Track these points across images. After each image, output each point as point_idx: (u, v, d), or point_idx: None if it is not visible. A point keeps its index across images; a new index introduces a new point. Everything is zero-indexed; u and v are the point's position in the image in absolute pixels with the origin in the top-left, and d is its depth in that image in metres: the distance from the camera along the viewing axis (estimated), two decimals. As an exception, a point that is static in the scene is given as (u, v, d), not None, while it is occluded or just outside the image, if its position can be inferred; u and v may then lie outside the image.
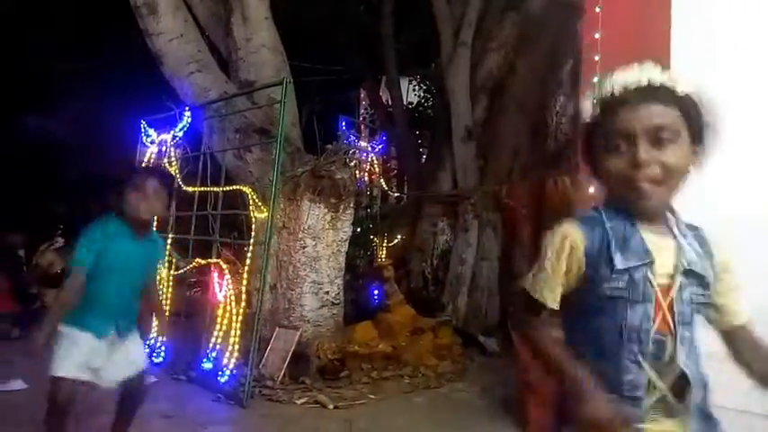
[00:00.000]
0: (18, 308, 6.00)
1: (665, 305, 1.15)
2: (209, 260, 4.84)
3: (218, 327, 4.56)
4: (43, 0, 9.12)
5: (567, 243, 1.20)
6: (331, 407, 3.96)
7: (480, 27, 6.65)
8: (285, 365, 4.44)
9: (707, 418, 1.18)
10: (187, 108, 5.27)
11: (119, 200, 2.57)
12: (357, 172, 6.84)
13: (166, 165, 5.39)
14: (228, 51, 5.79)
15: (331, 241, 4.95)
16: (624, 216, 1.19)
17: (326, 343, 4.77)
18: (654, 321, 1.14)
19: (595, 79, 3.47)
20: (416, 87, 10.36)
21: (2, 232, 6.46)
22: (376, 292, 5.77)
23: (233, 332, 4.41)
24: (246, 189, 4.69)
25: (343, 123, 6.71)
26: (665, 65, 3.26)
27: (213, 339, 4.57)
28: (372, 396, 4.25)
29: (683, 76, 1.18)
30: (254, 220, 4.61)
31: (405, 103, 9.28)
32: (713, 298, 1.21)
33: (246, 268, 4.50)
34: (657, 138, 1.13)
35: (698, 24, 3.27)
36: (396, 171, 9.45)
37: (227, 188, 4.86)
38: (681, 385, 1.14)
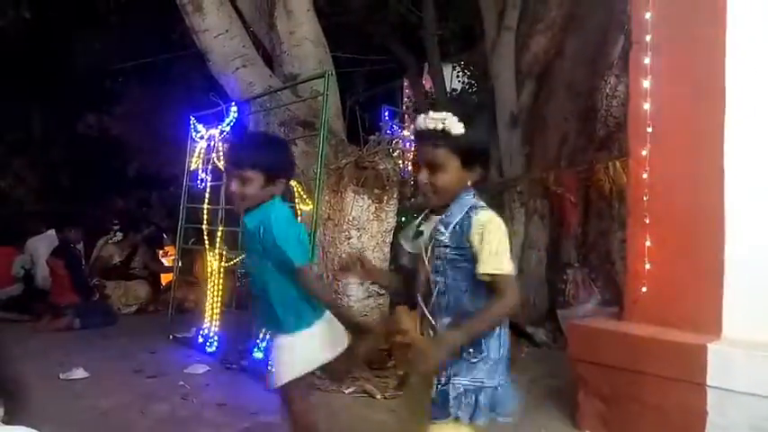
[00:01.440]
0: (78, 300, 6.28)
1: (426, 260, 1.80)
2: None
3: (266, 317, 4.64)
4: (91, 1, 9.41)
5: None
6: (378, 396, 3.99)
7: (525, 9, 6.47)
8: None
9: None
10: (233, 103, 5.36)
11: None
12: (401, 162, 6.83)
13: (215, 160, 5.51)
14: (272, 45, 5.85)
15: (375, 232, 4.96)
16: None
17: (373, 333, 4.79)
18: (422, 271, 1.83)
19: (646, 60, 3.35)
20: (460, 74, 10.21)
21: (61, 227, 6.75)
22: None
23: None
24: (293, 182, 4.75)
25: (386, 113, 6.69)
26: (720, 44, 3.11)
27: (262, 329, 4.66)
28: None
29: (457, 123, 1.67)
30: (299, 212, 4.66)
31: (448, 90, 9.17)
32: (472, 256, 1.72)
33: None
34: (432, 166, 1.75)
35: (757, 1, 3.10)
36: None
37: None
38: (434, 312, 1.80)
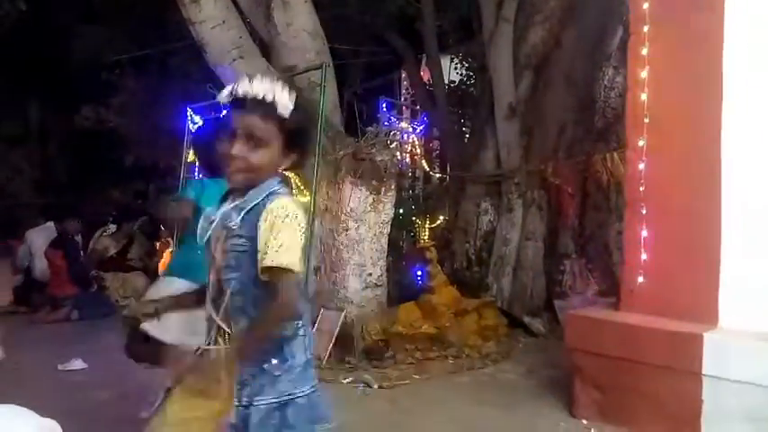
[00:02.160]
0: (77, 292, 6.28)
1: (216, 254, 1.54)
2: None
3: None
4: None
5: None
6: (376, 386, 4.01)
7: (523, 1, 6.45)
8: (330, 346, 4.51)
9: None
10: (230, 94, 5.34)
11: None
12: (398, 153, 6.82)
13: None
14: (269, 37, 5.82)
15: (373, 223, 4.96)
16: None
17: (371, 324, 4.82)
18: (211, 267, 1.56)
19: (644, 51, 3.34)
20: (458, 65, 10.18)
21: (59, 219, 6.74)
22: (419, 273, 5.77)
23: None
24: (290, 173, 4.74)
25: (384, 105, 6.67)
26: (718, 33, 3.11)
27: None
28: (417, 376, 4.28)
29: (287, 97, 1.47)
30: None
31: (446, 81, 9.15)
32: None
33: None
34: (250, 139, 1.48)
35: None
36: (438, 151, 9.36)
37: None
38: (228, 315, 1.51)
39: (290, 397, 1.49)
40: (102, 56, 9.80)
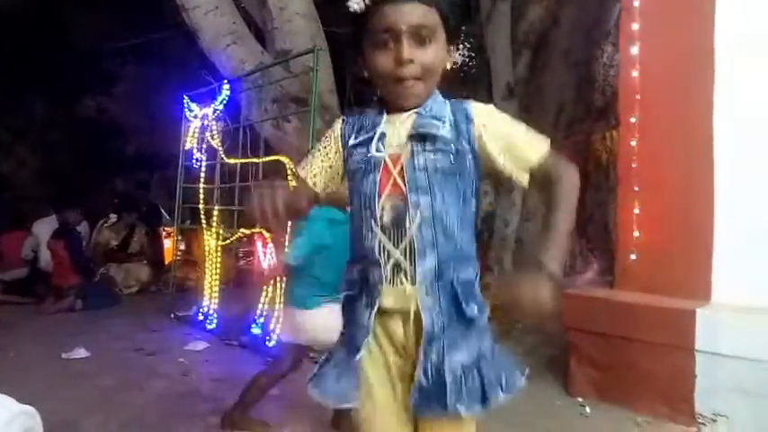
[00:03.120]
0: (81, 282, 6.34)
1: (395, 172, 1.22)
2: (253, 230, 4.95)
3: (263, 294, 4.69)
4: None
5: (331, 132, 1.38)
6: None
7: (520, -21, 6.39)
8: (331, 330, 4.54)
9: (448, 292, 1.22)
10: (225, 81, 5.34)
11: None
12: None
13: (209, 138, 5.51)
14: (263, 21, 5.80)
15: (371, 207, 4.97)
16: (384, 106, 1.29)
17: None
18: (382, 188, 1.23)
19: (635, 27, 3.30)
20: (460, 47, 10.10)
21: (62, 209, 6.79)
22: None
23: (278, 299, 4.53)
24: (284, 159, 4.74)
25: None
26: (709, 8, 3.06)
27: (260, 306, 4.71)
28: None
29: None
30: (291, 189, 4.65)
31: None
32: (490, 159, 1.26)
33: (288, 237, 4.58)
34: (419, 37, 1.19)
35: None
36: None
37: (267, 159, 4.92)
38: (412, 251, 1.21)
39: (483, 352, 1.25)
40: (103, 45, 9.80)
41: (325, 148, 1.36)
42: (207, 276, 5.51)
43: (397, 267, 1.22)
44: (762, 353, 2.74)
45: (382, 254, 1.23)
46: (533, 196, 6.21)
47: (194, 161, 5.82)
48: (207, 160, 5.66)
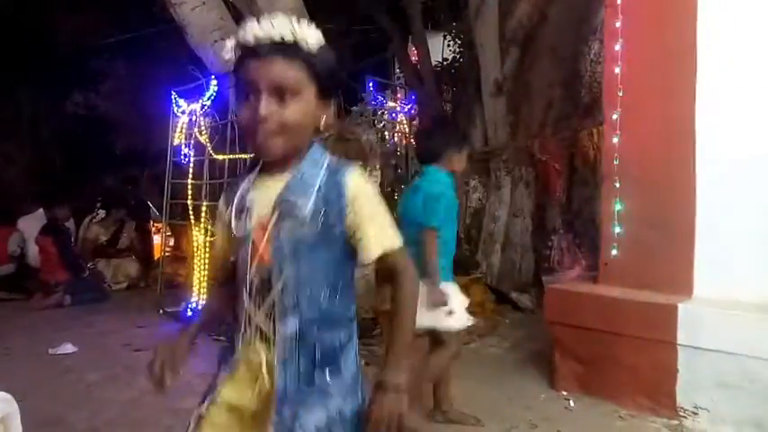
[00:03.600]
0: (69, 277, 6.32)
1: (262, 243, 1.23)
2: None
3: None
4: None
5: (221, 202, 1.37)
6: (362, 362, 4.04)
7: (509, -25, 6.40)
8: (318, 325, 4.55)
9: (308, 355, 1.23)
10: (213, 77, 5.33)
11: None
12: (386, 133, 6.81)
13: (197, 134, 5.50)
14: (252, 17, 5.78)
15: (359, 203, 4.98)
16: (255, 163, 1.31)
17: (359, 302, 4.85)
18: (252, 257, 1.24)
19: (618, 24, 3.33)
20: (451, 43, 10.09)
21: (50, 206, 6.76)
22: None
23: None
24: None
25: (371, 84, 6.64)
26: (691, 7, 3.09)
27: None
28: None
29: (312, 33, 1.19)
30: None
31: (440, 59, 9.07)
32: (348, 232, 1.24)
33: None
34: (280, 93, 1.17)
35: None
36: (429, 130, 9.31)
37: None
38: (273, 314, 1.23)
39: (342, 412, 1.24)
40: (92, 41, 9.74)
41: (220, 219, 1.37)
42: (195, 272, 5.51)
43: (258, 329, 1.26)
44: (742, 347, 2.78)
45: (247, 318, 1.26)
46: (523, 193, 6.26)
47: (183, 157, 5.81)
48: (195, 156, 5.65)
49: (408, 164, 8.59)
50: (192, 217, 5.60)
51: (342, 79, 1.43)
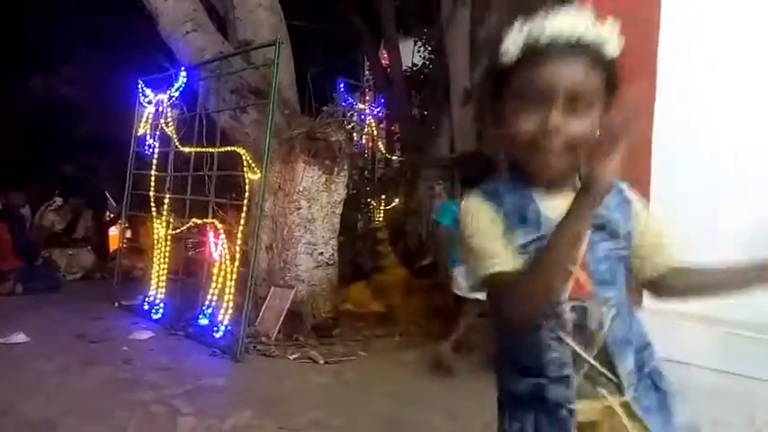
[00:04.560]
0: (21, 265, 6.14)
1: (576, 268, 1.00)
2: (205, 220, 4.91)
3: (213, 285, 4.67)
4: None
5: (482, 215, 1.07)
6: (322, 362, 4.09)
7: (481, -14, 6.54)
8: (280, 323, 4.56)
9: (654, 387, 1.13)
10: (183, 68, 5.27)
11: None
12: (354, 135, 6.85)
13: (163, 125, 5.43)
14: (224, 10, 5.75)
15: (325, 203, 5.00)
16: (523, 183, 1.07)
17: (321, 302, 4.88)
18: (566, 288, 1.00)
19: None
20: (421, 48, 10.20)
21: (4, 191, 6.55)
22: (370, 253, 5.86)
23: (228, 290, 4.52)
24: (241, 150, 4.73)
25: (341, 86, 6.68)
26: (654, 28, 3.21)
27: (209, 297, 4.68)
28: (363, 353, 4.37)
29: (614, 33, 1.04)
30: (249, 181, 4.66)
31: (410, 64, 9.17)
32: (639, 246, 1.14)
33: (241, 228, 4.57)
34: (575, 103, 0.99)
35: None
36: (397, 134, 9.42)
37: (223, 149, 4.89)
38: (607, 354, 1.04)
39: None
40: (55, 23, 9.47)
41: (493, 233, 1.05)
42: (155, 265, 5.43)
43: (590, 375, 1.04)
44: (684, 355, 2.92)
45: (576, 363, 1.03)
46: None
47: (147, 148, 5.72)
48: (160, 147, 5.58)
49: (375, 166, 8.68)
50: (153, 209, 5.52)
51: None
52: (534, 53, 1.00)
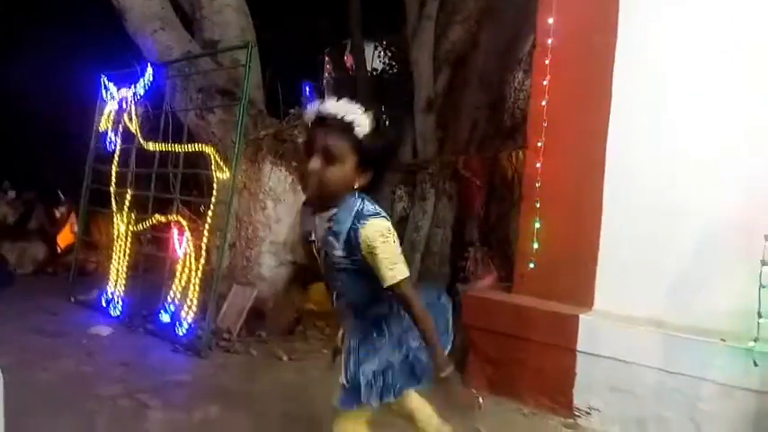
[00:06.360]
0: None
1: (320, 261, 1.82)
2: (170, 217, 4.92)
3: (176, 281, 4.68)
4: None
5: None
6: (285, 358, 4.18)
7: (445, 0, 6.74)
8: (242, 320, 4.62)
9: (365, 326, 1.86)
10: (149, 65, 5.25)
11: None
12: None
13: (126, 122, 5.39)
14: (192, 10, 5.76)
15: (291, 203, 5.09)
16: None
17: (283, 301, 4.97)
18: (323, 269, 1.84)
19: (547, 61, 3.69)
20: (381, 54, 10.34)
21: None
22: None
23: (191, 287, 4.54)
24: (208, 149, 4.76)
25: (307, 88, 6.77)
26: (610, 51, 3.48)
27: (171, 293, 4.69)
28: (325, 350, 4.46)
29: (366, 122, 1.69)
30: (215, 179, 4.70)
31: (370, 69, 9.29)
32: (366, 263, 1.70)
33: (207, 226, 4.61)
34: (327, 156, 1.63)
35: (646, 12, 3.48)
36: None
37: (190, 147, 4.90)
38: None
39: (390, 364, 1.80)
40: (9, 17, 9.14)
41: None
42: (114, 261, 5.38)
43: (342, 315, 1.95)
44: (632, 355, 3.17)
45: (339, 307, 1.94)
46: (446, 206, 6.59)
47: (108, 143, 5.65)
48: (122, 144, 5.52)
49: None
50: (114, 205, 5.47)
51: (386, 161, 1.88)
52: (313, 122, 1.68)
